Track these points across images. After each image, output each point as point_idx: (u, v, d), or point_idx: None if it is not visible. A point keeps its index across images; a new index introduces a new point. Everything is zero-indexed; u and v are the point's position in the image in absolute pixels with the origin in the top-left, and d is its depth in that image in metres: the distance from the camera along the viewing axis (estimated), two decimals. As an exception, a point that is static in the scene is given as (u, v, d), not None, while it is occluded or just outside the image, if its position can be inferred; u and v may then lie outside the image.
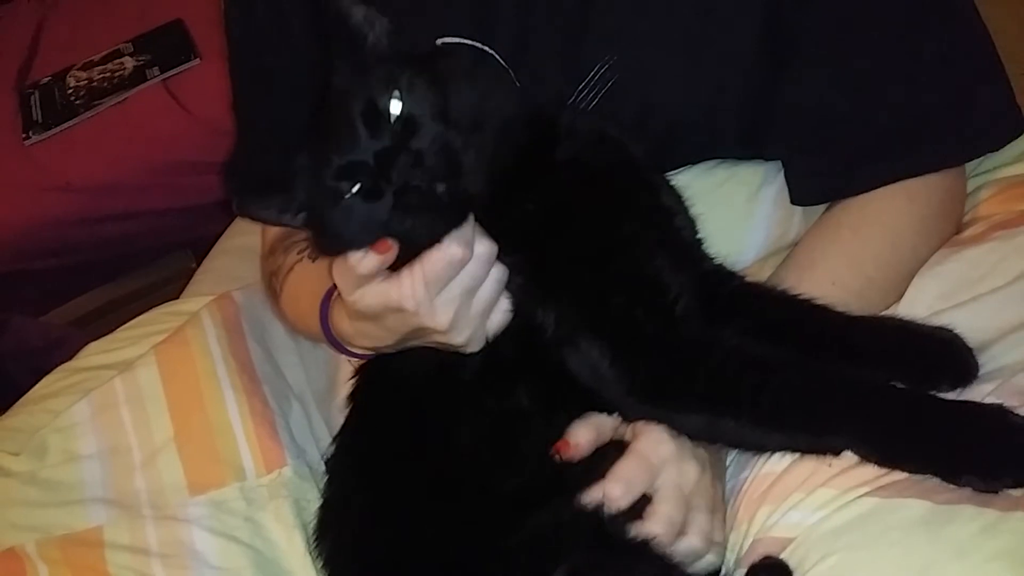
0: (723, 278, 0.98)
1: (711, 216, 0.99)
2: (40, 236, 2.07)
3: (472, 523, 0.86)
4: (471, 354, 0.89)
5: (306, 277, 1.07)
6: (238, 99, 1.19)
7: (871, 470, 0.82)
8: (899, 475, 0.80)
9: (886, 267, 0.98)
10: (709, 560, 0.89)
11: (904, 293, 0.97)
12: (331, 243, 0.85)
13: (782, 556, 0.83)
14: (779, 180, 1.06)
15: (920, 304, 0.94)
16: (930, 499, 0.77)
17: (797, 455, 0.86)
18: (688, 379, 0.86)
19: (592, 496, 0.86)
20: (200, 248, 1.76)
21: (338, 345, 0.98)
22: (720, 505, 0.91)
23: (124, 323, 1.33)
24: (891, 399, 0.83)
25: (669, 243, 0.92)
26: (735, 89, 1.02)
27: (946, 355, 0.88)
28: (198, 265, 1.68)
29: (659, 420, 0.88)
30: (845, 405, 0.83)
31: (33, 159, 2.12)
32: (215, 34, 1.23)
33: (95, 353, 1.27)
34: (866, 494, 0.80)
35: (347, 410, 0.98)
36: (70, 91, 2.20)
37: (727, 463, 0.96)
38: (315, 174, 0.84)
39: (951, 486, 0.78)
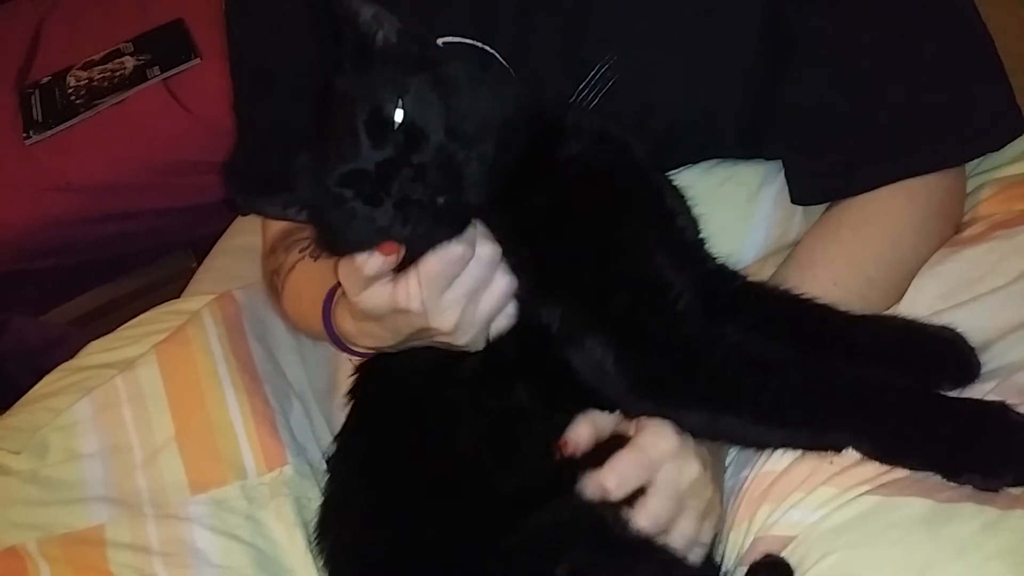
0: (725, 278, 0.98)
1: (711, 216, 0.99)
2: (40, 235, 2.07)
3: (472, 522, 0.86)
4: (471, 353, 0.90)
5: (308, 276, 1.07)
6: (238, 99, 1.19)
7: (872, 468, 0.82)
8: (900, 473, 0.81)
9: (886, 267, 0.98)
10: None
11: (905, 293, 0.97)
12: (335, 244, 0.86)
13: (783, 554, 0.83)
14: (779, 180, 1.06)
15: (920, 304, 0.94)
16: (931, 497, 0.77)
17: (798, 453, 0.87)
18: (690, 376, 0.86)
19: (589, 485, 0.85)
20: (200, 248, 1.76)
21: (340, 343, 0.98)
22: (714, 507, 0.91)
23: (124, 323, 1.33)
24: (893, 396, 0.83)
25: (671, 243, 0.93)
26: (735, 89, 1.02)
27: (948, 354, 0.88)
28: (198, 265, 1.68)
29: (662, 417, 0.88)
30: (847, 402, 0.83)
31: (33, 159, 2.12)
32: (215, 34, 1.24)
33: (96, 352, 1.27)
34: (867, 492, 0.80)
35: (348, 408, 0.98)
36: (70, 91, 2.20)
37: (728, 462, 0.96)
38: (318, 176, 0.84)
39: (952, 484, 0.78)
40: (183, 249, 2.18)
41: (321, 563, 0.97)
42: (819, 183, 1.02)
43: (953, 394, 0.85)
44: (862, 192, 1.00)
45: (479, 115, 0.84)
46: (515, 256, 0.87)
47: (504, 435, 0.89)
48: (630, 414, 0.90)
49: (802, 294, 0.95)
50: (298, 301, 1.10)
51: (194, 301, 1.32)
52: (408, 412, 0.93)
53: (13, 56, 2.37)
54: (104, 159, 2.10)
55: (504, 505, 0.86)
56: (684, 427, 0.88)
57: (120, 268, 2.19)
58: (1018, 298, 0.90)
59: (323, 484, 1.02)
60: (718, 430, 0.89)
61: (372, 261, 0.82)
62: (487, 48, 1.03)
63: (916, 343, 0.90)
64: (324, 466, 1.03)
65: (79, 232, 2.10)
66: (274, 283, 1.15)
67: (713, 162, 1.09)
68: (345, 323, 0.94)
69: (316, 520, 0.99)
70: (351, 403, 0.98)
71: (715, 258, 0.99)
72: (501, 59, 1.04)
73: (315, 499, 1.03)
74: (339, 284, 0.95)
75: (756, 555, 0.85)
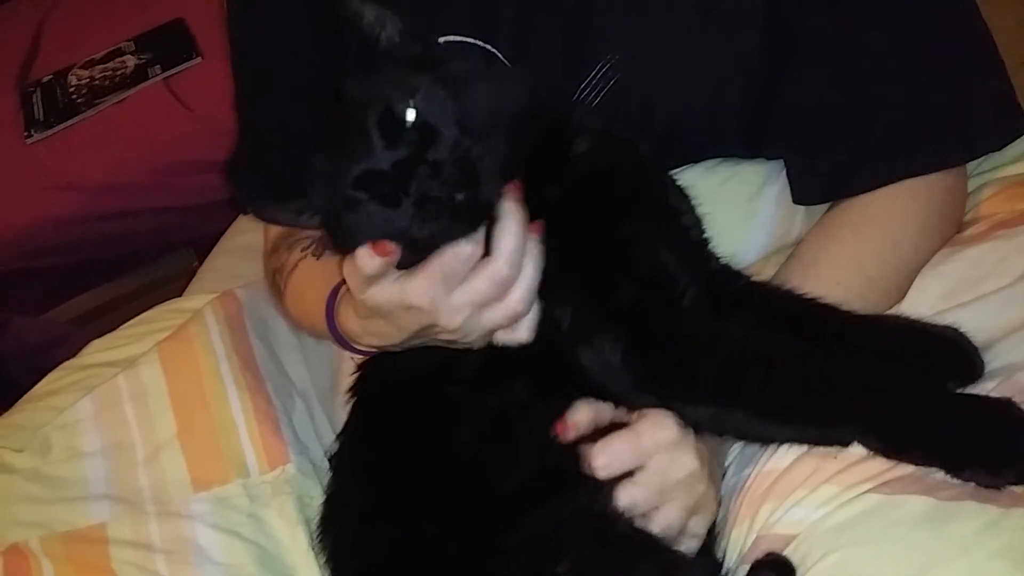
0: (729, 277, 0.99)
1: (713, 215, 1.00)
2: (42, 234, 2.07)
3: (473, 521, 0.86)
4: (473, 352, 0.90)
5: (310, 275, 1.07)
6: (240, 98, 1.19)
7: (874, 467, 0.82)
8: (902, 472, 0.81)
9: (888, 267, 0.98)
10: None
11: (906, 293, 0.97)
12: (351, 248, 0.85)
13: (785, 553, 0.83)
14: (781, 179, 1.06)
15: (922, 304, 0.94)
16: (933, 496, 0.77)
17: (801, 451, 0.87)
18: (696, 370, 0.86)
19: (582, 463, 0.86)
20: (202, 247, 1.76)
21: (343, 342, 0.98)
22: (707, 504, 0.91)
23: (126, 321, 1.33)
24: (899, 390, 0.83)
25: (676, 241, 0.93)
26: (736, 89, 1.02)
27: (951, 354, 0.88)
28: (200, 264, 1.68)
29: (667, 411, 0.88)
30: (852, 396, 0.84)
31: (35, 158, 2.12)
32: (217, 33, 1.24)
33: (98, 350, 1.27)
34: (869, 491, 0.80)
35: (349, 406, 0.98)
36: (71, 90, 2.20)
37: (729, 460, 0.96)
38: (331, 181, 0.84)
39: (954, 483, 0.78)
40: (184, 248, 2.19)
41: (323, 561, 0.97)
42: (820, 183, 1.02)
43: (956, 392, 0.86)
44: (863, 192, 1.00)
45: (488, 110, 0.83)
46: None
47: (505, 434, 0.89)
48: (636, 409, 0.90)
49: (805, 294, 0.95)
50: (300, 300, 1.10)
51: (196, 300, 1.32)
52: (410, 411, 0.93)
53: (14, 55, 2.37)
54: (105, 158, 2.10)
55: (505, 504, 0.86)
56: (690, 421, 0.88)
57: (121, 267, 2.19)
58: (1020, 298, 0.90)
59: (325, 482, 1.02)
60: (724, 424, 0.89)
61: (371, 261, 0.82)
62: (488, 47, 1.03)
63: (919, 343, 0.90)
64: (326, 464, 1.03)
65: (80, 231, 2.10)
66: (276, 282, 1.16)
67: (715, 161, 1.09)
68: (349, 322, 0.94)
69: (318, 518, 0.99)
70: (353, 402, 0.98)
71: (719, 257, 0.99)
72: (502, 58, 1.04)
73: (317, 497, 1.03)
74: (342, 283, 0.95)
75: (758, 553, 0.85)
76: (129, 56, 2.24)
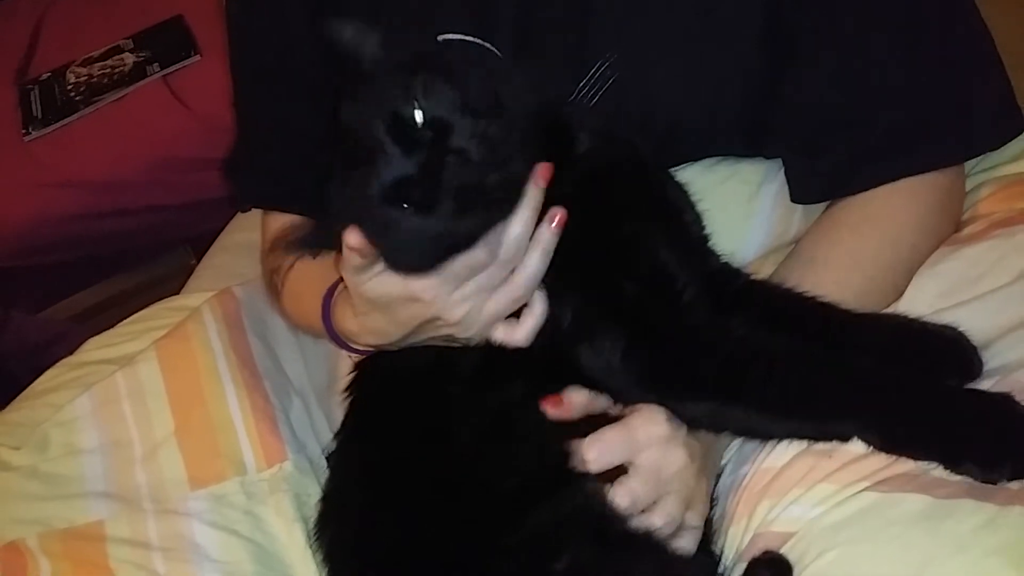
0: (729, 275, 0.99)
1: (712, 213, 1.00)
2: (40, 232, 2.07)
3: (472, 519, 0.86)
4: (471, 350, 0.90)
5: (307, 274, 1.07)
6: (238, 96, 1.19)
7: (871, 465, 0.82)
8: (899, 470, 0.81)
9: (886, 266, 0.98)
10: (678, 544, 0.90)
11: (905, 292, 0.97)
12: (402, 267, 0.83)
13: (782, 550, 0.83)
14: (780, 178, 1.06)
15: (921, 303, 0.94)
16: (930, 494, 0.77)
17: (798, 449, 0.87)
18: (697, 369, 0.86)
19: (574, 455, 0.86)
20: (200, 244, 1.75)
21: (340, 341, 0.98)
22: (700, 499, 0.91)
23: (124, 319, 1.33)
24: (899, 385, 0.84)
25: (676, 240, 0.93)
26: (735, 88, 1.02)
27: (950, 353, 0.88)
28: (198, 261, 1.68)
29: (668, 408, 0.89)
30: (853, 391, 0.84)
31: (33, 155, 2.12)
32: (215, 30, 1.24)
33: (96, 348, 1.27)
34: (866, 489, 0.80)
35: (347, 405, 0.98)
36: (70, 87, 2.19)
37: (727, 457, 0.96)
38: (355, 206, 0.81)
39: (951, 481, 0.79)
40: (183, 246, 2.19)
41: (320, 559, 0.97)
42: (819, 182, 1.02)
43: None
44: (862, 191, 1.00)
45: (494, 90, 0.83)
46: None
47: (504, 433, 0.89)
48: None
49: (804, 292, 0.95)
50: (298, 300, 1.10)
51: (194, 297, 1.32)
52: (408, 410, 0.93)
53: (13, 52, 2.36)
54: (103, 156, 2.10)
55: (504, 503, 0.86)
56: (689, 418, 0.89)
57: (119, 264, 2.19)
58: (1018, 297, 0.90)
59: (322, 480, 1.02)
60: (724, 421, 0.89)
61: (352, 256, 0.82)
62: (487, 45, 1.03)
63: (918, 341, 0.90)
64: (324, 462, 1.03)
65: (78, 228, 2.10)
66: (274, 282, 1.15)
67: (714, 160, 1.08)
68: (346, 321, 0.94)
69: (315, 516, 0.98)
70: (350, 400, 0.98)
71: (719, 255, 1.00)
72: (502, 57, 1.04)
73: (315, 495, 1.03)
74: (338, 282, 0.95)
75: (755, 551, 0.85)
76: (128, 54, 2.24)
